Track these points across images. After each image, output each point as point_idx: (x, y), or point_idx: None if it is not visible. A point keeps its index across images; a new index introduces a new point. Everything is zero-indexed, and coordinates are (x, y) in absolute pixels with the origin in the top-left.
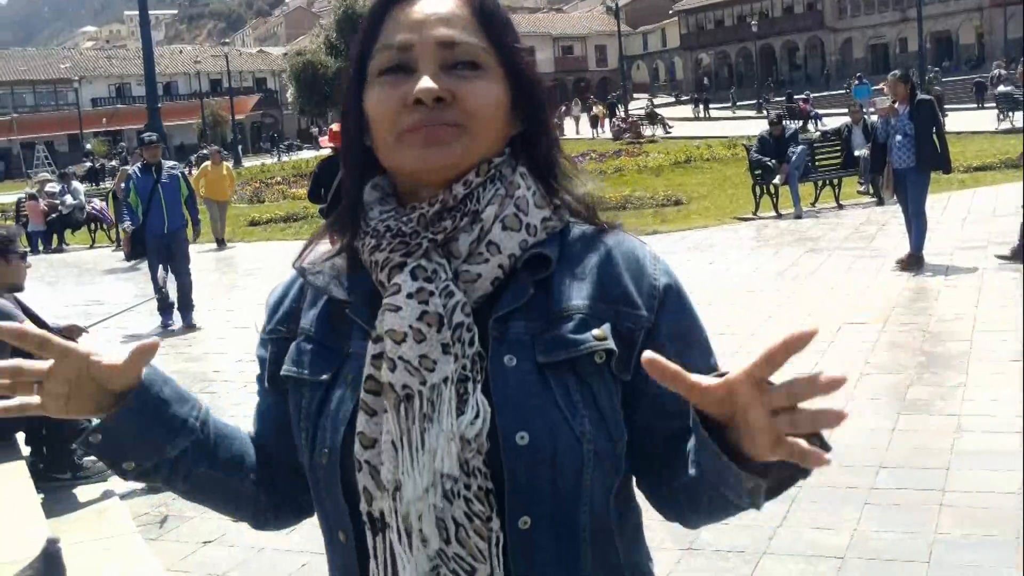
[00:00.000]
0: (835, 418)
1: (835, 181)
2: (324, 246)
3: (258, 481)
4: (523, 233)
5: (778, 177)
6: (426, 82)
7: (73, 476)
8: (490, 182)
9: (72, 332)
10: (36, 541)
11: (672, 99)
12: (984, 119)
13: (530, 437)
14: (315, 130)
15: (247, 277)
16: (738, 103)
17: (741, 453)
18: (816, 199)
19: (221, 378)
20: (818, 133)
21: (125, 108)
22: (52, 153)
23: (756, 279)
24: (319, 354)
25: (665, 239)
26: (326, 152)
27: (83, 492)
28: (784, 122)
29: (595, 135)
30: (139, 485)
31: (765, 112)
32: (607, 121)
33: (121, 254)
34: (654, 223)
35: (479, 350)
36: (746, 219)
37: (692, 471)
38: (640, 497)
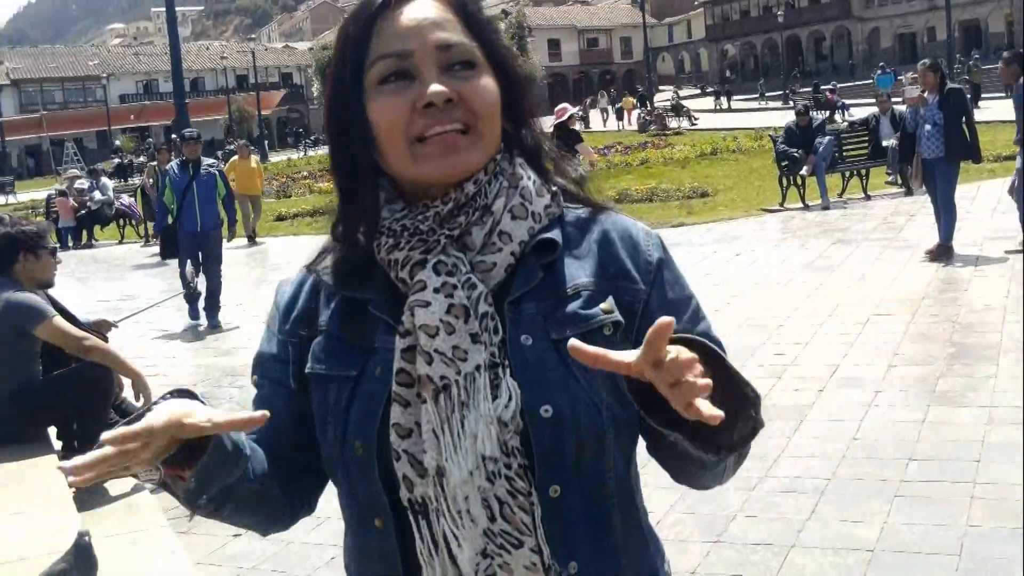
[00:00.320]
0: (702, 387)
1: (863, 172)
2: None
3: (280, 483)
4: (530, 220)
5: (805, 168)
6: (436, 86)
7: None
8: (494, 177)
9: (102, 327)
10: (69, 534)
11: (698, 91)
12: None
13: (553, 409)
14: None
15: (275, 272)
16: (766, 94)
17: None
18: (844, 190)
19: (250, 373)
20: (845, 123)
21: (152, 104)
22: (81, 150)
23: (783, 271)
24: (344, 351)
25: (691, 231)
26: None
27: (113, 486)
28: (811, 113)
29: (620, 127)
30: None
31: (792, 103)
32: (634, 113)
33: (149, 250)
34: (680, 215)
35: (504, 336)
36: (773, 211)
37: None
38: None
